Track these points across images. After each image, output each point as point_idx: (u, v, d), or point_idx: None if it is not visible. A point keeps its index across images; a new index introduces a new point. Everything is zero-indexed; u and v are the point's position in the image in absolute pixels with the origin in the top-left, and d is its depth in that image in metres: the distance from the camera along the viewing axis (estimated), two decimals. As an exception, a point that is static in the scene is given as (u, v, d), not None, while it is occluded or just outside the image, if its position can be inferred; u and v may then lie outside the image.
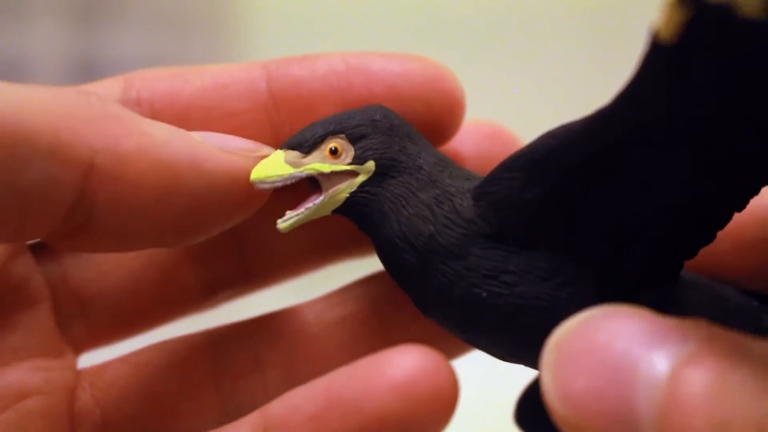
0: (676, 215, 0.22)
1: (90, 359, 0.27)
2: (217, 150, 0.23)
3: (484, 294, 0.22)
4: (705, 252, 0.23)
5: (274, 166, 0.23)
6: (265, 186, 0.23)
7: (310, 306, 0.27)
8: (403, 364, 0.22)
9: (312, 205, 0.23)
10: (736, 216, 0.22)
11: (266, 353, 0.27)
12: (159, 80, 0.25)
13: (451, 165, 0.24)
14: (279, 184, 0.23)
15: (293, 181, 0.23)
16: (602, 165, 0.21)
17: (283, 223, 0.23)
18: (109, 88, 0.25)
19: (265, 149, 0.24)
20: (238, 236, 0.27)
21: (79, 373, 0.26)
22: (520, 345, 0.23)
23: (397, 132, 0.24)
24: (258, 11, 0.74)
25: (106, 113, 0.21)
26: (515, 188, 0.22)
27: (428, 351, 0.22)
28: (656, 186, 0.21)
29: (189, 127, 0.24)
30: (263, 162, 0.23)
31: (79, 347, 0.27)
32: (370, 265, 0.27)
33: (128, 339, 0.27)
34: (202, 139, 0.23)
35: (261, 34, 0.73)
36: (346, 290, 0.27)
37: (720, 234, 0.22)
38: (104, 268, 0.27)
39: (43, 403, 0.25)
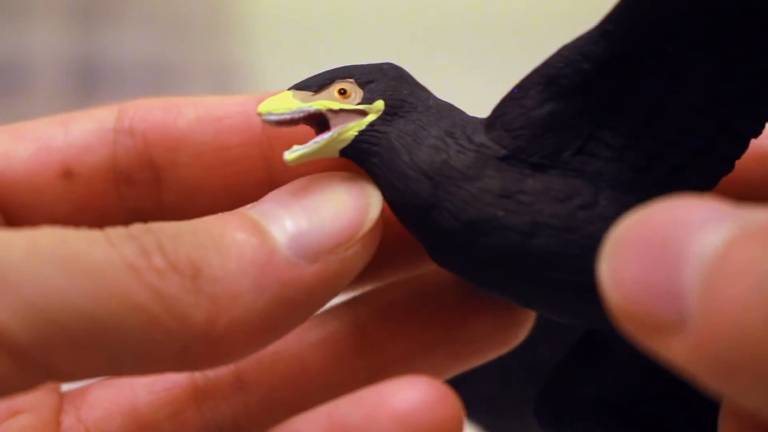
0: (699, 130, 0.21)
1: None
2: None
3: (500, 213, 0.22)
4: (726, 179, 0.22)
5: (283, 100, 0.23)
6: (272, 118, 0.22)
7: None
8: (409, 394, 0.21)
9: (320, 139, 0.23)
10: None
11: (248, 373, 0.27)
12: (152, 111, 0.25)
13: (461, 111, 0.24)
14: (287, 117, 0.23)
15: (301, 115, 0.23)
16: (620, 73, 0.21)
17: (290, 155, 0.22)
18: (102, 117, 0.25)
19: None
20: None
21: (62, 396, 0.26)
22: (536, 270, 0.22)
23: (407, 80, 0.24)
24: (258, 12, 0.74)
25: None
26: (528, 107, 0.22)
27: (434, 382, 0.21)
28: (678, 96, 0.21)
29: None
30: (271, 98, 0.23)
31: None
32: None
33: None
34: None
35: (260, 35, 0.73)
36: (327, 311, 0.27)
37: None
38: None
39: (34, 422, 0.25)
